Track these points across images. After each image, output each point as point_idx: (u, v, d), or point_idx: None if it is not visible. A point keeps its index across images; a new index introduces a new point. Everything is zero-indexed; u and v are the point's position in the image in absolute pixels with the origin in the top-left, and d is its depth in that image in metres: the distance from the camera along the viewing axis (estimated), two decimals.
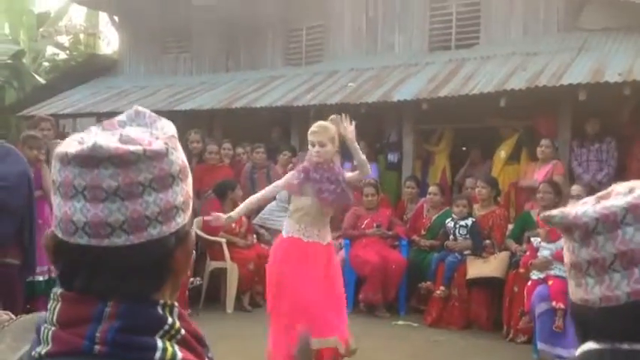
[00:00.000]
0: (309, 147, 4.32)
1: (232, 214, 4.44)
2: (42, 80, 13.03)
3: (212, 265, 6.81)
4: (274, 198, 6.07)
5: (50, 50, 15.04)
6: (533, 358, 5.28)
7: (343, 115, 4.25)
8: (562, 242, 1.02)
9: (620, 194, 0.97)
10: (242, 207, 4.55)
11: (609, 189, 1.01)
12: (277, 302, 4.32)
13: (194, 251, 1.02)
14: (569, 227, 0.98)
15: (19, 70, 12.57)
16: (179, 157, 0.93)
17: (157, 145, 0.90)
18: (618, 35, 7.84)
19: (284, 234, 4.43)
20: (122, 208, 0.87)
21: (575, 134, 7.28)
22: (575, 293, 1.00)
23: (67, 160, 0.87)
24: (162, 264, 0.92)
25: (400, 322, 6.37)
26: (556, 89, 6.84)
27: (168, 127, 0.97)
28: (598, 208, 0.95)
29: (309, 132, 4.33)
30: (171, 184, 0.91)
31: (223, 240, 6.76)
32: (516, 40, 8.61)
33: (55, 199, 0.91)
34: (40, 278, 5.65)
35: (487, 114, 7.79)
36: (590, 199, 1.00)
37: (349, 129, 4.20)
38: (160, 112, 0.98)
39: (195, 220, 6.10)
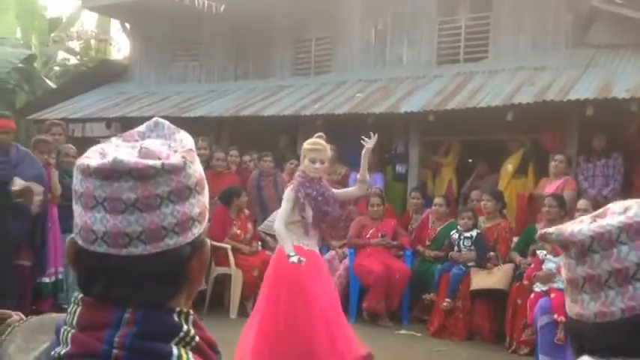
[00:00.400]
0: (308, 162, 4.43)
1: (291, 252, 4.22)
2: (52, 84, 13.07)
3: (217, 270, 6.86)
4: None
5: (61, 55, 15.10)
6: None
7: (373, 134, 4.58)
8: None
9: (615, 213, 1.00)
10: (286, 240, 4.32)
11: (605, 208, 1.04)
12: (278, 306, 4.41)
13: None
14: (565, 245, 1.01)
15: (30, 74, 12.63)
16: (196, 170, 0.96)
17: (175, 159, 0.93)
18: (626, 52, 7.87)
19: None
20: (140, 219, 0.90)
21: (582, 149, 7.29)
22: (572, 308, 1.03)
23: (89, 172, 0.90)
24: (178, 273, 0.95)
25: (403, 332, 6.39)
26: (563, 104, 6.86)
27: (187, 140, 0.99)
28: (593, 226, 0.98)
29: (310, 148, 4.46)
30: (188, 196, 0.94)
31: (228, 246, 6.81)
32: (525, 54, 8.64)
33: (77, 209, 0.93)
34: (47, 280, 5.70)
35: (494, 127, 7.81)
36: (586, 218, 1.03)
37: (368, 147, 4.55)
38: (169, 119, 1.01)
39: None
